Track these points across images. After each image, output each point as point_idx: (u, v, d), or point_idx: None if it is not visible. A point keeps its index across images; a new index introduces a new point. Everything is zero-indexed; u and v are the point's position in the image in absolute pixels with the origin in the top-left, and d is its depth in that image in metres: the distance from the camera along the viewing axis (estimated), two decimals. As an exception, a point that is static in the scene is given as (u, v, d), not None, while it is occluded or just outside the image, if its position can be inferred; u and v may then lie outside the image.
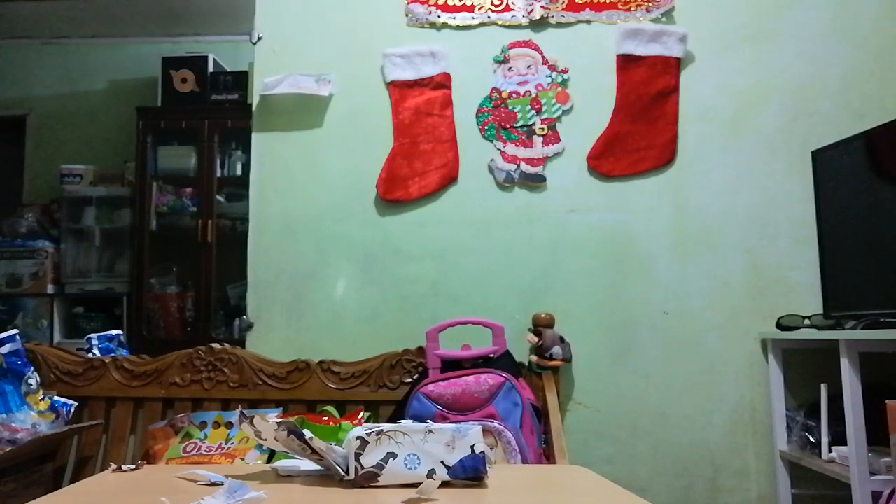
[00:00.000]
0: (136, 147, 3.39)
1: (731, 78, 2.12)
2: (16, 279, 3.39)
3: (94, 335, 2.05)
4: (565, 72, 2.14)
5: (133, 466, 1.17)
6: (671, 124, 2.11)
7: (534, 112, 2.13)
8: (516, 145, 2.12)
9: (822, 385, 1.78)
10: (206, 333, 3.25)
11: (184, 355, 1.90)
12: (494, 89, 2.14)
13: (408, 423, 1.08)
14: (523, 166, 2.11)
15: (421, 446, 1.02)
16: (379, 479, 1.00)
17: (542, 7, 2.15)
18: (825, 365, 1.89)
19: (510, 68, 2.15)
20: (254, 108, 2.18)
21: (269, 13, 2.20)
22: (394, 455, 1.01)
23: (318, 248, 2.11)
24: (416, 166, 2.11)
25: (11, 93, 3.85)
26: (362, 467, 1.00)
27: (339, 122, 2.16)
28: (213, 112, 3.39)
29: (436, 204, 2.11)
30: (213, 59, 3.49)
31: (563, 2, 2.16)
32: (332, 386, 1.86)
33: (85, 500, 0.98)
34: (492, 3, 2.17)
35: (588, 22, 2.16)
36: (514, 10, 2.16)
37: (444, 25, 2.17)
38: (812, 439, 1.84)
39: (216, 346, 1.91)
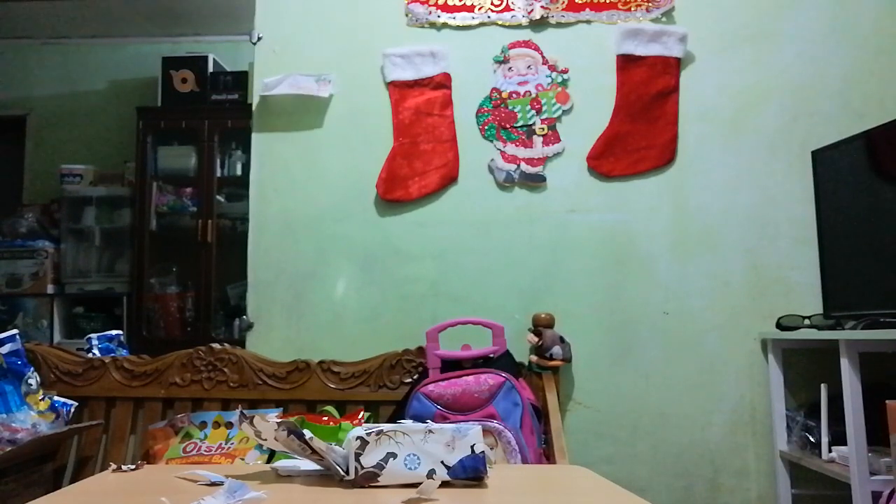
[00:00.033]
0: (136, 147, 3.39)
1: (731, 78, 2.12)
2: (16, 279, 3.39)
3: (94, 335, 2.05)
4: (565, 72, 2.14)
5: (133, 466, 1.17)
6: (671, 124, 2.11)
7: (534, 112, 2.13)
8: (516, 145, 2.12)
9: (822, 385, 1.78)
10: (206, 333, 3.25)
11: (184, 355, 1.90)
12: (494, 89, 2.14)
13: (408, 423, 1.08)
14: (523, 166, 2.11)
15: (421, 446, 1.01)
16: (379, 479, 1.00)
17: (542, 7, 2.15)
18: (825, 365, 1.89)
19: (510, 68, 2.15)
20: (254, 108, 2.18)
21: (269, 13, 2.20)
22: (394, 455, 1.01)
23: (318, 248, 2.11)
24: (416, 166, 2.11)
25: (11, 93, 3.85)
26: (362, 467, 1.00)
27: (339, 122, 2.16)
28: (213, 112, 3.39)
29: (436, 204, 2.11)
30: (213, 59, 3.48)
31: (563, 2, 2.16)
32: (332, 386, 1.86)
33: (85, 500, 0.98)
34: (492, 3, 2.17)
35: (588, 22, 2.16)
36: (514, 10, 2.16)
37: (444, 25, 2.17)
38: (812, 439, 1.84)
39: (216, 346, 1.91)
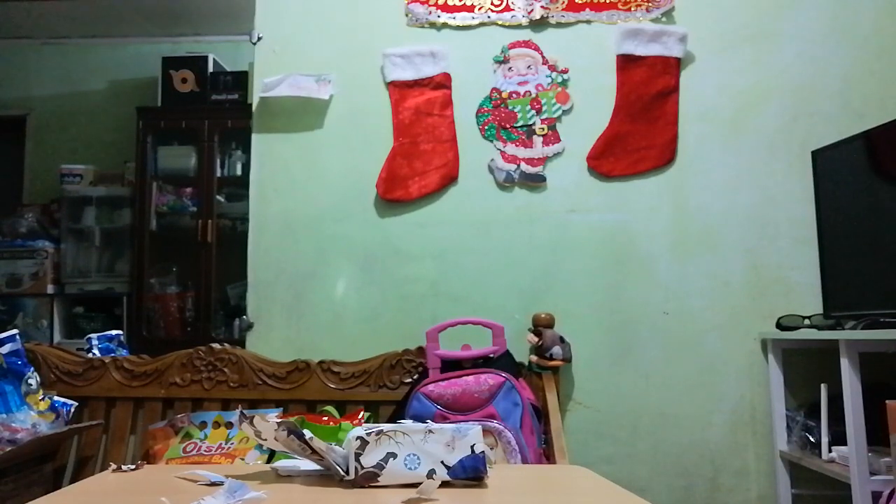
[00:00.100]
0: (136, 147, 3.39)
1: (731, 78, 2.12)
2: (16, 279, 3.39)
3: (94, 335, 2.05)
4: (565, 72, 2.14)
5: (133, 466, 1.17)
6: (671, 124, 2.11)
7: (534, 112, 2.13)
8: (516, 145, 2.12)
9: (822, 385, 1.78)
10: (206, 333, 3.25)
11: (184, 355, 1.90)
12: (494, 89, 2.14)
13: (408, 423, 1.08)
14: (523, 166, 2.11)
15: (421, 446, 1.01)
16: (379, 479, 1.00)
17: (542, 7, 2.15)
18: (825, 365, 1.89)
19: (510, 68, 2.15)
20: (254, 108, 2.18)
21: (269, 13, 2.20)
22: (394, 455, 1.01)
23: (318, 248, 2.11)
24: (416, 166, 2.11)
25: (11, 93, 3.85)
26: (362, 467, 1.00)
27: (339, 122, 2.16)
28: (213, 112, 3.39)
29: (436, 204, 2.11)
30: (213, 59, 3.48)
31: (563, 2, 2.16)
32: (332, 386, 1.86)
33: (85, 500, 0.98)
34: (492, 3, 2.17)
35: (588, 22, 2.16)
36: (514, 10, 2.16)
37: (444, 25, 2.17)
38: (812, 439, 1.84)
39: (216, 346, 1.91)
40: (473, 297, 2.07)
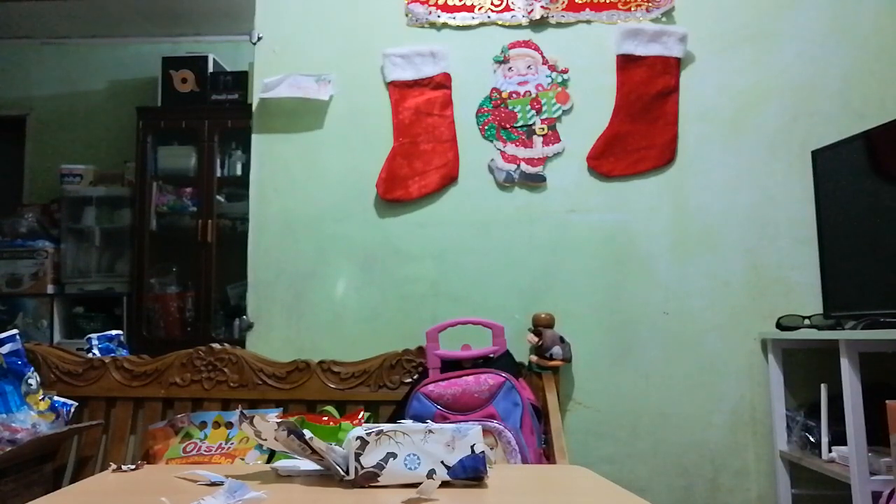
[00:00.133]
0: (136, 147, 3.39)
1: (731, 78, 2.12)
2: (16, 279, 3.39)
3: (94, 335, 2.05)
4: (565, 72, 2.14)
5: (133, 466, 1.17)
6: (671, 124, 2.11)
7: (534, 112, 2.13)
8: (516, 145, 2.12)
9: (822, 385, 1.78)
10: (206, 333, 3.24)
11: (184, 355, 1.90)
12: (494, 89, 2.14)
13: (408, 423, 1.08)
14: (523, 166, 2.11)
15: (421, 446, 1.01)
16: (379, 479, 1.00)
17: (542, 7, 2.15)
18: (825, 365, 1.89)
19: (510, 68, 2.15)
20: (254, 108, 2.18)
21: (269, 13, 2.20)
22: (394, 455, 1.01)
23: (318, 248, 2.11)
24: (416, 166, 2.11)
25: (11, 93, 3.85)
26: (362, 467, 1.00)
27: (339, 122, 2.16)
28: (213, 112, 3.39)
29: (436, 204, 2.11)
30: (213, 59, 3.48)
31: (563, 2, 2.16)
32: (332, 386, 1.86)
33: (85, 500, 0.98)
34: (492, 3, 2.17)
35: (588, 22, 2.16)
36: (514, 10, 2.16)
37: (444, 25, 2.17)
38: (812, 439, 1.84)
39: (216, 346, 1.91)
40: (473, 297, 2.07)
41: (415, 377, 1.84)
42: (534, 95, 2.13)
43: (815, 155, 2.03)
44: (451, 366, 1.78)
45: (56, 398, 1.74)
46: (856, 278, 1.85)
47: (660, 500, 1.97)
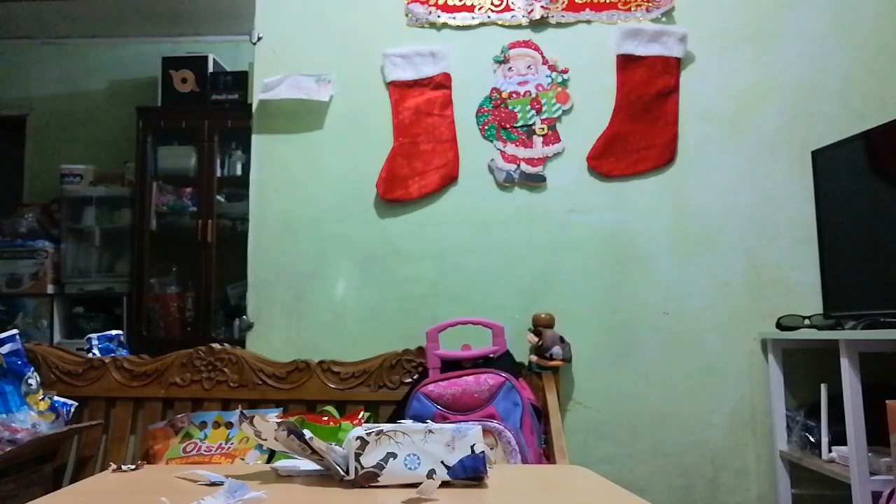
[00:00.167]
0: (136, 147, 3.39)
1: (731, 78, 2.12)
2: (16, 279, 3.39)
3: (94, 335, 2.05)
4: (565, 72, 2.14)
5: (133, 466, 1.17)
6: (671, 124, 2.11)
7: (534, 112, 2.13)
8: (516, 145, 2.12)
9: (822, 385, 1.78)
10: (206, 333, 3.24)
11: (184, 355, 1.90)
12: (494, 89, 2.14)
13: (408, 423, 1.08)
14: (523, 166, 2.11)
15: (421, 446, 1.01)
16: (379, 479, 1.00)
17: (542, 7, 2.15)
18: (825, 365, 1.89)
19: (510, 68, 2.15)
20: (254, 109, 2.18)
21: (269, 13, 2.20)
22: (394, 455, 1.01)
23: (318, 248, 2.11)
24: (416, 166, 2.11)
25: (11, 93, 3.85)
26: (362, 467, 1.00)
27: (339, 122, 2.16)
28: (213, 112, 3.39)
29: (436, 204, 2.11)
30: (213, 59, 3.48)
31: (563, 2, 2.16)
32: (332, 386, 1.86)
33: (85, 500, 0.98)
34: (492, 3, 2.17)
35: (588, 22, 2.16)
36: (514, 10, 2.16)
37: (444, 25, 2.17)
38: (812, 439, 1.84)
39: (216, 346, 1.91)
40: (473, 297, 2.07)
41: (415, 377, 1.84)
42: (534, 95, 2.13)
43: (815, 155, 2.03)
44: (451, 366, 1.78)
45: (56, 398, 1.74)
46: (856, 278, 1.85)
47: (660, 500, 1.97)
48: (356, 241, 2.11)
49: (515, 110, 2.13)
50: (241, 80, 3.39)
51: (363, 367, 1.87)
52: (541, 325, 1.92)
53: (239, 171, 3.42)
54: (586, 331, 2.03)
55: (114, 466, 1.17)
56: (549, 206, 2.10)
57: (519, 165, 2.11)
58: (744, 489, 1.99)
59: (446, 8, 2.17)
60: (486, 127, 2.13)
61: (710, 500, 1.99)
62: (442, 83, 2.14)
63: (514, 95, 2.14)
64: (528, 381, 1.85)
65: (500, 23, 2.16)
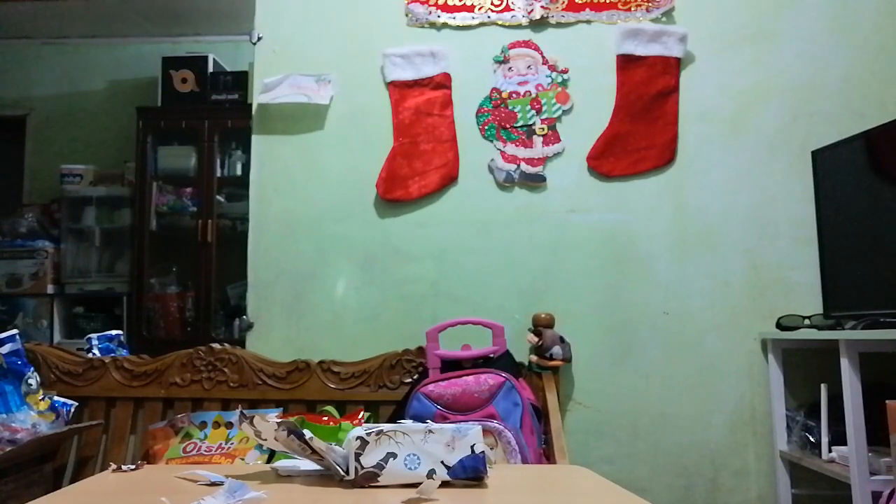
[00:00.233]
0: (136, 147, 3.39)
1: (731, 78, 2.12)
2: (16, 279, 3.39)
3: (94, 335, 2.05)
4: (565, 72, 2.14)
5: (133, 466, 1.17)
6: (671, 124, 2.11)
7: (534, 112, 2.13)
8: (516, 145, 2.12)
9: (822, 385, 1.78)
10: (206, 333, 3.24)
11: (184, 355, 1.90)
12: (494, 89, 2.14)
13: (408, 423, 1.08)
14: (523, 166, 2.11)
15: (421, 446, 1.01)
16: (379, 479, 1.00)
17: (542, 7, 2.15)
18: (825, 365, 1.89)
19: (510, 68, 2.15)
20: (254, 109, 2.18)
21: (269, 13, 2.20)
22: (394, 455, 1.01)
23: (318, 248, 2.11)
24: (416, 166, 2.11)
25: (11, 93, 3.85)
26: (362, 467, 1.00)
27: (339, 122, 2.16)
28: (213, 112, 3.39)
29: (436, 204, 2.11)
30: (213, 59, 3.48)
31: (563, 2, 2.16)
32: (332, 386, 1.86)
33: (85, 500, 0.98)
34: (492, 3, 2.17)
35: (588, 22, 2.16)
36: (514, 10, 2.16)
37: (444, 25, 2.17)
38: (812, 439, 1.84)
39: (216, 346, 1.91)
40: (473, 297, 2.07)
41: (415, 377, 1.84)
42: (534, 95, 2.13)
43: (815, 155, 2.03)
44: (451, 366, 1.78)
45: (56, 398, 1.74)
46: (856, 278, 1.85)
47: (660, 500, 1.97)
48: (356, 241, 2.11)
49: (515, 110, 2.13)
50: (241, 80, 3.39)
51: (363, 367, 1.87)
52: (541, 325, 1.92)
53: (239, 171, 3.42)
54: (586, 331, 2.03)
55: (114, 466, 1.17)
56: (549, 206, 2.10)
57: (519, 165, 2.11)
58: (744, 489, 1.99)
59: (446, 8, 2.17)
60: (486, 127, 2.13)
61: (710, 500, 1.99)
62: (442, 83, 2.14)
63: (514, 95, 2.14)
64: (528, 381, 1.85)
65: (500, 23, 2.16)
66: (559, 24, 2.16)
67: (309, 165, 2.14)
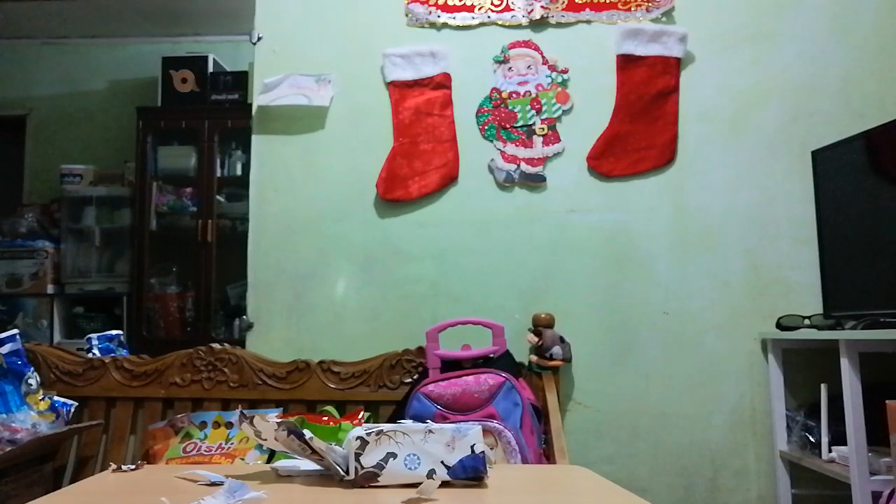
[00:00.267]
0: (136, 147, 3.39)
1: (731, 78, 2.12)
2: (16, 279, 3.39)
3: (94, 335, 2.05)
4: (565, 72, 2.14)
5: (133, 466, 1.17)
6: (671, 124, 2.11)
7: (534, 112, 2.13)
8: (516, 145, 2.12)
9: (822, 385, 1.78)
10: (206, 333, 3.25)
11: (184, 355, 1.90)
12: (494, 89, 2.14)
13: (408, 423, 1.08)
14: (523, 166, 2.11)
15: (421, 446, 1.01)
16: (379, 479, 1.00)
17: (542, 7, 2.15)
18: (825, 365, 1.89)
19: (510, 68, 2.15)
20: (254, 110, 2.18)
21: (269, 13, 2.20)
22: (394, 455, 1.01)
23: (318, 248, 2.11)
24: (416, 166, 2.11)
25: (11, 93, 3.85)
26: (362, 467, 1.00)
27: (339, 122, 2.16)
28: (213, 112, 3.39)
29: (436, 204, 2.11)
30: (213, 59, 3.48)
31: (563, 2, 2.16)
32: (332, 386, 1.86)
33: (85, 500, 0.98)
34: (492, 3, 2.17)
35: (588, 22, 2.16)
36: (514, 10, 2.16)
37: (444, 25, 2.17)
38: (812, 439, 1.84)
39: (216, 346, 1.91)
40: (473, 297, 2.07)
41: (415, 377, 1.84)
42: (534, 95, 2.13)
43: (815, 155, 2.03)
44: (451, 366, 1.78)
45: (56, 398, 1.74)
46: (856, 278, 1.85)
47: (660, 500, 1.97)
48: (356, 242, 2.11)
49: (515, 110, 2.13)
50: (241, 80, 3.39)
51: (363, 367, 1.87)
52: (541, 325, 1.92)
53: (239, 171, 3.42)
54: (586, 331, 2.03)
55: (114, 466, 1.17)
56: (549, 206, 2.10)
57: (519, 165, 2.11)
58: (744, 489, 1.99)
59: (446, 8, 2.17)
60: (486, 127, 2.13)
61: (710, 500, 1.99)
62: (442, 83, 2.14)
63: (514, 95, 2.14)
64: (528, 381, 1.85)
65: (500, 23, 2.16)
66: (559, 24, 2.16)
67: (309, 165, 2.14)
